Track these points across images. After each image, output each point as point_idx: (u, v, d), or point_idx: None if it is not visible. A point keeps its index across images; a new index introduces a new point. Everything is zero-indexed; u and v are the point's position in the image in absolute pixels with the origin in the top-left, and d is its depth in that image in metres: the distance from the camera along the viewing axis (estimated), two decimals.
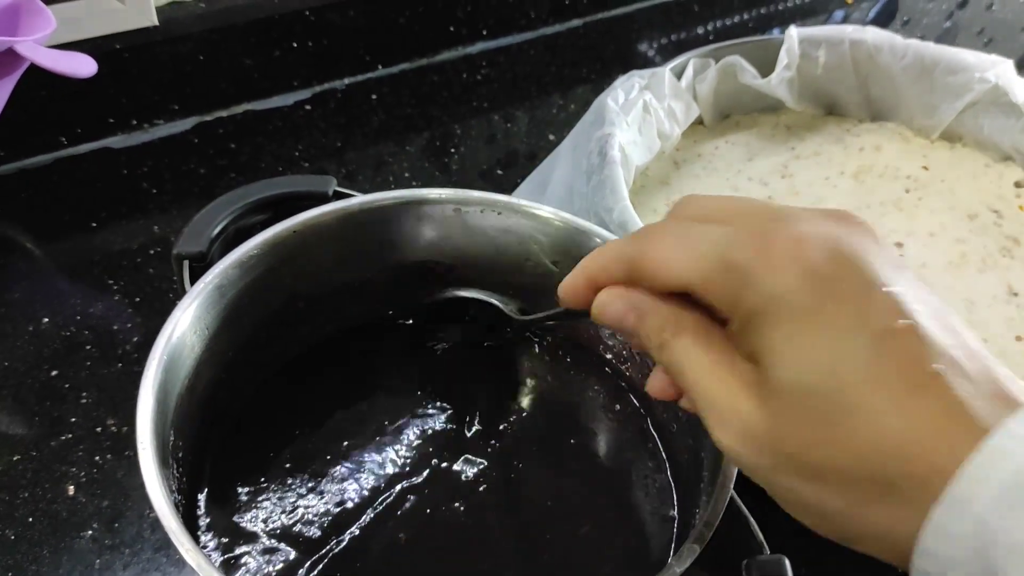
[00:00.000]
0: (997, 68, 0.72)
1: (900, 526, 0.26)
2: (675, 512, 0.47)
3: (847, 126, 0.78)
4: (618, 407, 0.52)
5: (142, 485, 0.54)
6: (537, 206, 0.51)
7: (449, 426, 0.50)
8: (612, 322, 0.34)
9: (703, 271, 0.30)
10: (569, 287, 0.36)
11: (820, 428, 0.27)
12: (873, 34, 0.75)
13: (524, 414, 0.52)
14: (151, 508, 0.53)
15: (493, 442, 0.50)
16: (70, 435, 0.57)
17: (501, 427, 0.50)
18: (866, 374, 0.27)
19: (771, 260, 0.29)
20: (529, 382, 0.54)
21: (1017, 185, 0.73)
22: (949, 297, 0.63)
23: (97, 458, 0.56)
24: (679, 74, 0.72)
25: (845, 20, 1.11)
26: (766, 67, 0.75)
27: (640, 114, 0.66)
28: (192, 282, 0.46)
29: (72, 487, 0.55)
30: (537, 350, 0.55)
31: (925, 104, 0.76)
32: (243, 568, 0.43)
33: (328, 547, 0.44)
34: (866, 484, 0.27)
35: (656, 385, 0.35)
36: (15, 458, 0.56)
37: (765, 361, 0.29)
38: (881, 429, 0.26)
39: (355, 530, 0.45)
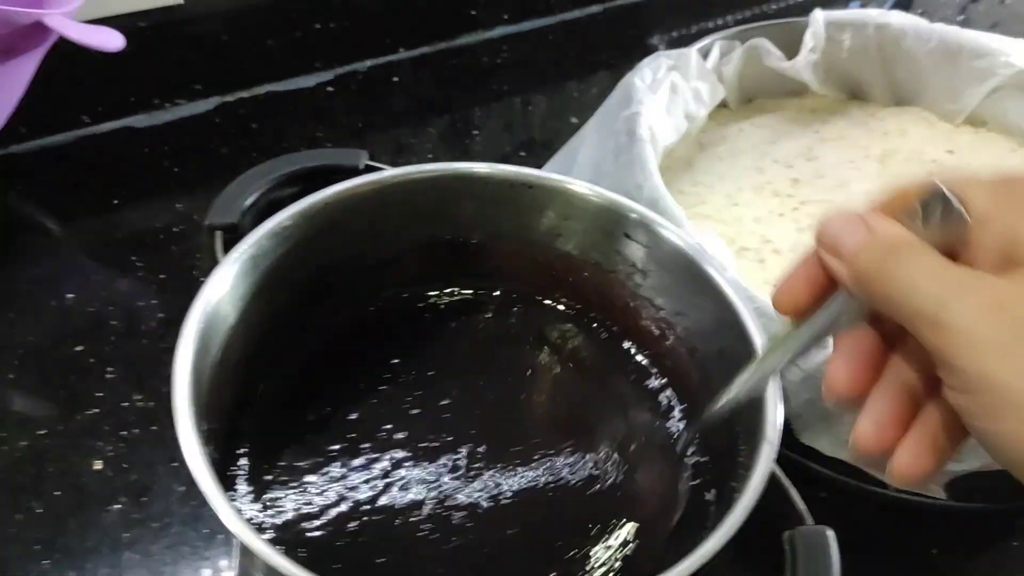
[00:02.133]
0: (1023, 52, 0.72)
1: None
2: (713, 485, 0.47)
3: (871, 110, 0.78)
4: (648, 382, 0.52)
5: (169, 460, 0.55)
6: (567, 180, 0.51)
7: (483, 404, 0.50)
8: (835, 231, 0.33)
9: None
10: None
11: None
12: (898, 18, 0.75)
13: (557, 397, 0.52)
14: (179, 482, 0.54)
15: (532, 424, 0.49)
16: (96, 410, 0.57)
17: (541, 408, 0.50)
18: None
19: None
20: (561, 366, 0.54)
21: None
22: None
23: (123, 433, 0.56)
24: (705, 55, 0.72)
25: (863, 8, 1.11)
26: (791, 50, 0.74)
27: (667, 94, 0.66)
28: (225, 253, 0.46)
29: (99, 462, 0.54)
30: (571, 334, 0.55)
31: (950, 88, 0.76)
32: (276, 539, 0.43)
33: (360, 523, 0.43)
34: None
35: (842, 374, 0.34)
36: (41, 432, 0.55)
37: None
38: None
39: (388, 507, 0.44)
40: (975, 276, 0.29)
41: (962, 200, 0.32)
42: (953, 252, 0.32)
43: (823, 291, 0.35)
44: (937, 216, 0.32)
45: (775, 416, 0.40)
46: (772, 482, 0.41)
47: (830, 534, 0.38)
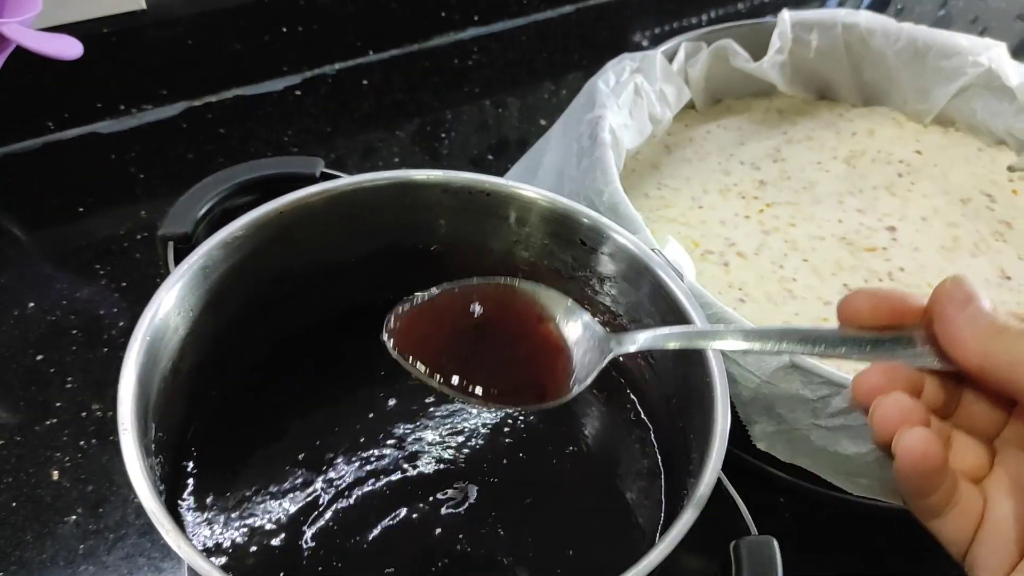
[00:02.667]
0: (990, 52, 0.72)
1: None
2: (663, 494, 0.47)
3: (839, 111, 0.78)
4: (607, 391, 0.52)
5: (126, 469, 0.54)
6: (524, 187, 0.51)
7: (436, 411, 0.50)
8: (971, 289, 0.33)
9: None
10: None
11: None
12: (866, 18, 0.75)
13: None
14: (136, 493, 0.53)
15: (483, 426, 0.49)
16: (55, 420, 0.56)
17: (491, 412, 0.50)
18: None
19: None
20: None
21: (1010, 169, 0.73)
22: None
23: (82, 443, 0.55)
24: (671, 58, 0.71)
25: (840, 7, 1.10)
26: (758, 51, 0.74)
27: (631, 97, 0.66)
28: (177, 264, 0.45)
29: (56, 472, 0.54)
30: None
31: (918, 88, 0.76)
32: (227, 550, 0.42)
33: (312, 530, 0.43)
34: None
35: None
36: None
37: None
38: None
39: (342, 514, 0.44)
40: None
41: None
42: None
43: (893, 323, 0.34)
44: None
45: (723, 427, 0.40)
46: (720, 493, 0.41)
47: (775, 544, 0.38)
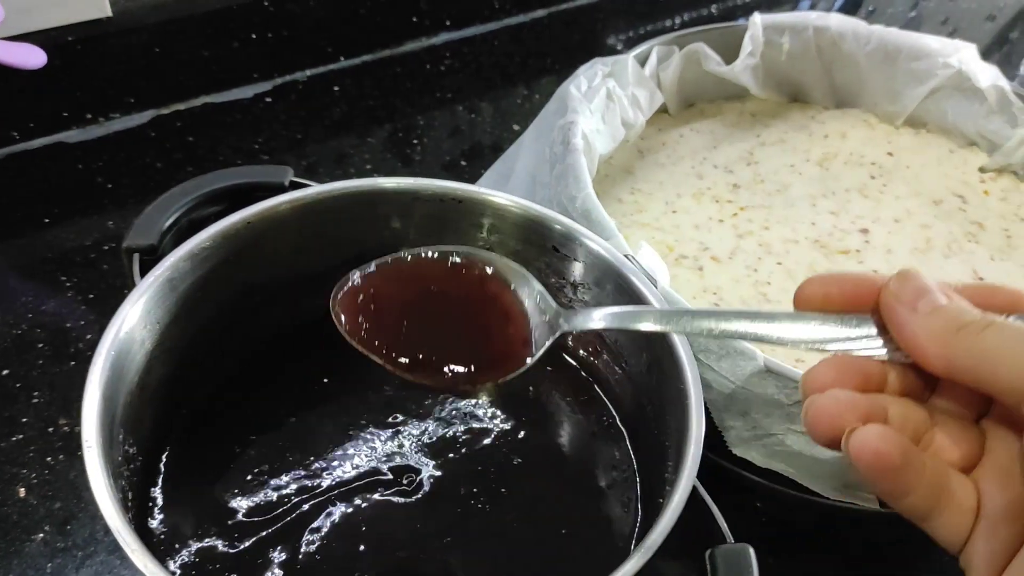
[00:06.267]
0: (960, 54, 0.72)
1: None
2: (639, 502, 0.46)
3: (812, 113, 0.78)
4: (584, 398, 0.52)
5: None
6: (494, 193, 0.50)
7: (411, 421, 0.49)
8: (920, 286, 0.30)
9: None
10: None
11: None
12: (837, 20, 0.75)
13: (491, 407, 0.51)
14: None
15: (458, 436, 0.49)
16: (21, 436, 0.55)
17: (465, 421, 0.50)
18: None
19: None
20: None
21: (981, 170, 0.73)
22: None
23: (49, 459, 0.54)
24: (643, 61, 0.71)
25: (812, 9, 1.11)
26: (730, 54, 0.74)
27: (603, 102, 0.65)
28: (143, 276, 0.45)
29: (23, 489, 0.53)
30: None
31: (889, 90, 0.76)
32: (195, 568, 0.42)
33: (284, 546, 0.43)
34: None
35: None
36: None
37: None
38: None
39: (313, 529, 0.43)
40: None
41: None
42: None
43: (851, 309, 0.32)
44: None
45: (697, 433, 0.40)
46: (696, 501, 0.40)
47: (751, 551, 0.38)
